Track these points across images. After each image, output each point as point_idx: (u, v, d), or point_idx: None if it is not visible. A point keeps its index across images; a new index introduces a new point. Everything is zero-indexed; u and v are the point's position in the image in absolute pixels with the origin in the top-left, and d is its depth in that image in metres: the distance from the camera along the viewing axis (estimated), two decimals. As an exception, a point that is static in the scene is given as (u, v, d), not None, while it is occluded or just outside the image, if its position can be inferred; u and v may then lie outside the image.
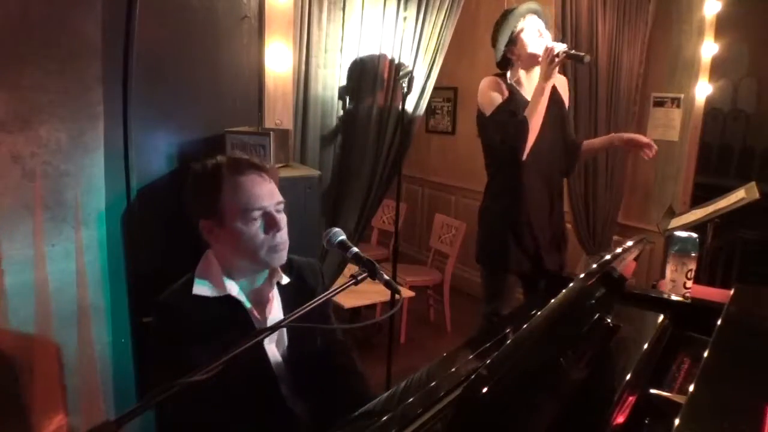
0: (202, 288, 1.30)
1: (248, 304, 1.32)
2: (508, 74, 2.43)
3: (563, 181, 2.62)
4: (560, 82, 2.54)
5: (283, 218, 1.32)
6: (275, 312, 1.37)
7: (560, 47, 2.21)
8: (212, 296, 1.30)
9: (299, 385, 1.40)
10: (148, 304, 1.37)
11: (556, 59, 2.21)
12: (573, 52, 2.22)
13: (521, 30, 2.32)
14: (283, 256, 1.33)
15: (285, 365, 1.38)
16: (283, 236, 1.31)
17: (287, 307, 1.39)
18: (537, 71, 2.35)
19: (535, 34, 2.32)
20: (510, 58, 2.39)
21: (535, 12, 2.36)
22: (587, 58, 2.23)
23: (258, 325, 1.34)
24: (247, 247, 1.28)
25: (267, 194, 1.29)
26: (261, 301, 1.36)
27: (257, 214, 1.27)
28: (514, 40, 2.34)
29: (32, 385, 1.76)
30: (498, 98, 2.35)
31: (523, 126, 2.27)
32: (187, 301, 1.28)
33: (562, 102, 2.50)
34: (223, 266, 1.32)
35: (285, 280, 1.40)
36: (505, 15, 2.38)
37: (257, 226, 1.27)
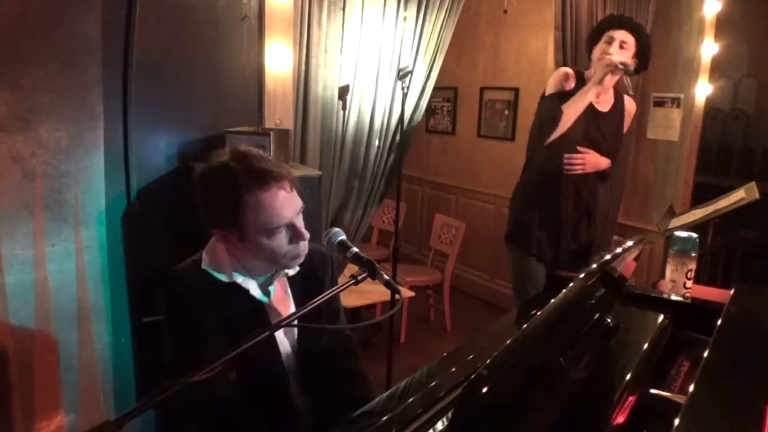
0: (209, 267, 1.28)
1: (255, 291, 1.30)
2: (587, 71, 2.52)
3: (598, 188, 2.60)
4: (630, 106, 2.62)
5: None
6: (282, 298, 1.36)
7: (620, 58, 2.33)
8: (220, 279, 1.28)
9: (307, 379, 1.40)
10: (150, 304, 1.38)
11: (607, 68, 2.34)
12: (624, 63, 2.35)
13: (607, 36, 2.40)
14: (301, 260, 1.30)
15: (294, 357, 1.38)
16: (306, 244, 1.27)
17: (295, 295, 1.38)
18: (609, 79, 2.44)
19: (613, 48, 2.38)
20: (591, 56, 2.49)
21: (633, 31, 2.40)
22: (630, 67, 2.38)
23: (265, 307, 1.32)
24: (269, 257, 1.25)
25: (291, 206, 1.22)
26: (268, 288, 1.35)
27: (282, 228, 1.22)
28: (597, 40, 2.44)
29: (32, 384, 1.76)
30: (562, 84, 2.46)
31: (555, 114, 2.38)
32: (198, 273, 1.27)
33: (617, 118, 2.55)
34: (232, 260, 1.29)
35: (293, 271, 1.37)
36: (606, 19, 2.53)
37: (281, 238, 1.23)
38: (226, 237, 1.25)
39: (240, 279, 1.28)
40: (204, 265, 1.28)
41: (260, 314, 1.30)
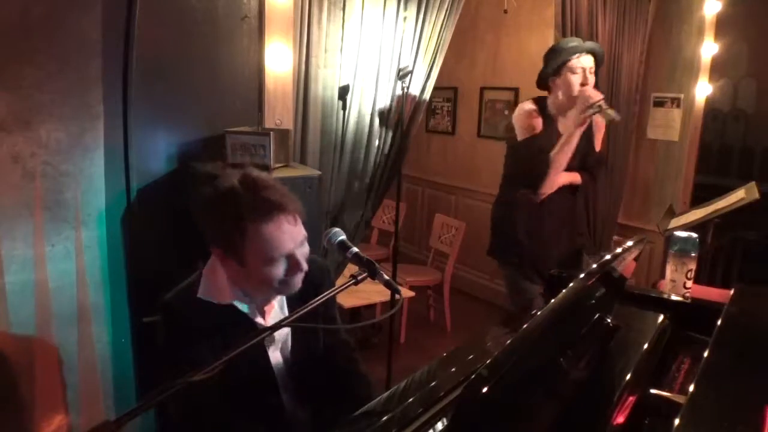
0: (205, 294, 1.28)
1: (250, 313, 1.32)
2: (548, 100, 2.44)
3: (576, 202, 2.60)
4: (597, 120, 2.48)
5: (305, 253, 1.26)
6: (276, 316, 1.37)
7: (598, 97, 2.24)
8: (216, 302, 1.28)
9: (301, 392, 1.39)
10: (150, 304, 1.38)
11: (590, 110, 2.23)
12: (605, 107, 2.24)
13: (571, 67, 2.31)
14: (295, 291, 1.29)
15: (288, 371, 1.38)
16: (301, 276, 1.27)
17: (292, 309, 1.37)
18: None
19: (580, 78, 2.30)
20: (551, 86, 2.41)
21: (591, 52, 2.32)
22: (616, 118, 2.26)
23: (261, 327, 1.31)
24: (263, 283, 1.25)
25: (293, 237, 1.22)
26: (263, 308, 1.36)
27: (282, 258, 1.22)
28: (559, 73, 2.35)
29: (32, 384, 1.76)
30: (533, 128, 2.39)
31: (546, 166, 2.33)
32: (190, 303, 1.27)
33: (585, 138, 2.44)
34: (231, 285, 1.30)
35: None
36: (561, 46, 2.38)
37: (279, 268, 1.22)
38: (223, 258, 1.25)
39: (238, 304, 1.29)
40: (200, 294, 1.28)
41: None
